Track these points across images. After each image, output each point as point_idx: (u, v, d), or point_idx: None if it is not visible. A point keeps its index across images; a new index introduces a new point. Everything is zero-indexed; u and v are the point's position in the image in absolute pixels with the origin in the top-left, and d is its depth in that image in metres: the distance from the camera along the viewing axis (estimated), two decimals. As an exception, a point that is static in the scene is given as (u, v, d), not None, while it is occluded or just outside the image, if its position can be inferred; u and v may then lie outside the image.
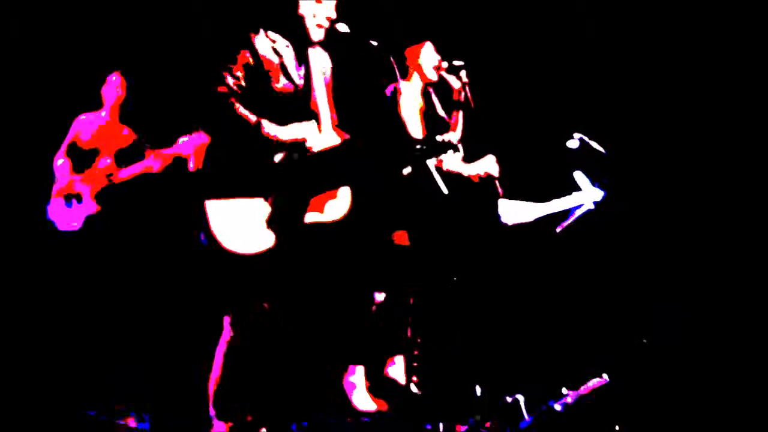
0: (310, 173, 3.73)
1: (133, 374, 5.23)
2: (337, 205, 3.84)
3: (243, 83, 3.70)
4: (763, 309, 5.29)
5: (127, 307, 5.65)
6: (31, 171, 5.83)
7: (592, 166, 4.79)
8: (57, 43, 6.10)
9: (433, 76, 4.95)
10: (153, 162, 5.54)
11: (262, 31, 3.83)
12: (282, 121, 3.75)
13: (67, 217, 5.66)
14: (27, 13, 6.03)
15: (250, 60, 3.74)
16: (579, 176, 4.80)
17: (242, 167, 3.66)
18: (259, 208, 3.65)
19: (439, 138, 4.63)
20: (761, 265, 5.42)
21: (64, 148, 5.79)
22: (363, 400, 4.97)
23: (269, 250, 3.65)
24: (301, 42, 3.90)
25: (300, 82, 3.86)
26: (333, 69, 4.00)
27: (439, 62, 4.92)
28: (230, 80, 3.68)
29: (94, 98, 5.88)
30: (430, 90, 5.01)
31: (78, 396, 5.00)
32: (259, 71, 3.75)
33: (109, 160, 5.76)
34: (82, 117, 5.87)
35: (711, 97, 5.59)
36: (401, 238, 4.78)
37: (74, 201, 5.66)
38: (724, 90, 5.58)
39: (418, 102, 4.95)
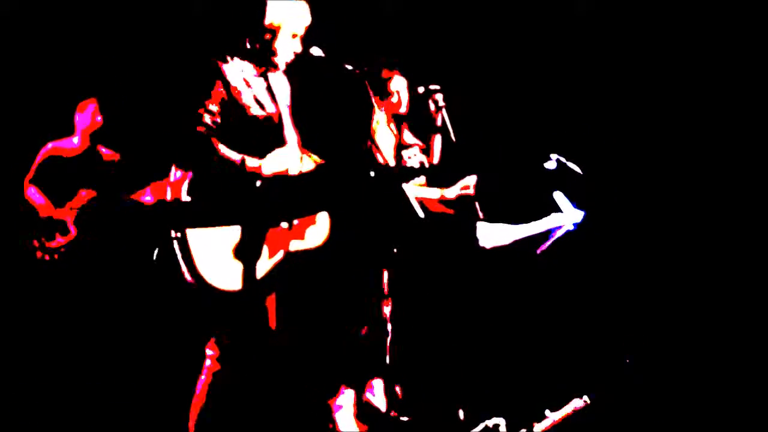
0: (287, 199, 3.73)
1: (115, 403, 5.20)
2: (317, 231, 3.83)
3: (219, 119, 3.69)
4: (751, 327, 5.28)
5: (108, 337, 5.63)
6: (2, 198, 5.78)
7: (570, 186, 4.79)
8: (29, 68, 6.08)
9: (404, 100, 4.97)
10: (150, 194, 5.56)
11: (230, 59, 3.82)
12: (261, 153, 3.74)
13: (47, 245, 5.64)
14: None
15: (224, 92, 3.74)
16: (558, 197, 4.80)
17: (223, 198, 3.65)
18: (237, 237, 3.64)
19: (415, 162, 4.65)
20: (748, 285, 5.41)
21: (31, 175, 5.74)
22: (347, 423, 4.97)
23: (250, 279, 3.64)
24: (266, 67, 3.90)
25: (272, 110, 3.86)
26: (300, 94, 4.00)
27: (410, 87, 4.95)
28: (207, 118, 3.67)
29: (66, 125, 5.86)
30: (403, 114, 5.02)
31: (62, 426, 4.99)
32: (233, 102, 3.75)
33: (88, 189, 5.75)
34: (51, 144, 5.83)
35: (689, 112, 5.60)
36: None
37: (57, 231, 5.64)
38: (703, 105, 5.60)
39: (392, 127, 4.96)
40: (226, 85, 3.75)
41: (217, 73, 3.76)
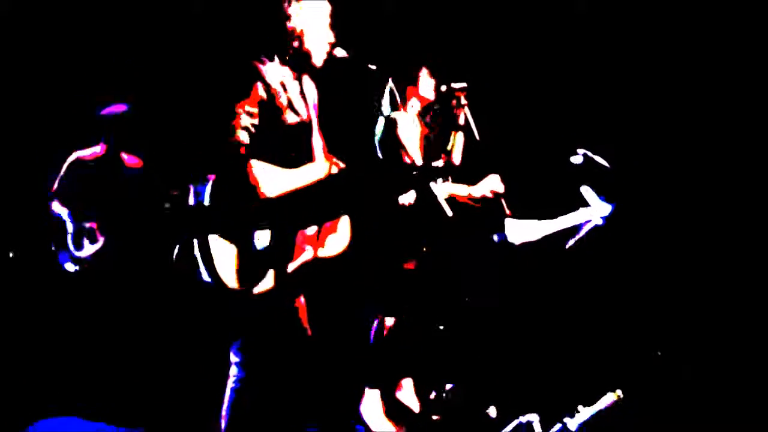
0: (309, 205, 3.72)
1: (140, 410, 5.23)
2: (339, 237, 3.82)
3: (257, 121, 3.66)
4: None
5: (133, 344, 5.64)
6: (32, 209, 5.81)
7: (598, 180, 4.78)
8: (52, 76, 6.09)
9: (430, 99, 4.96)
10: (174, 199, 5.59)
11: (268, 62, 3.81)
12: (292, 160, 3.74)
13: (76, 254, 5.66)
14: (22, 43, 6.02)
15: (263, 94, 3.73)
16: (586, 191, 4.79)
17: (244, 203, 3.64)
18: (262, 242, 3.64)
19: (439, 161, 4.64)
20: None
21: (56, 186, 5.75)
22: (379, 423, 4.97)
23: (276, 285, 3.64)
24: (299, 70, 3.89)
25: (305, 114, 3.85)
26: (327, 95, 3.99)
27: (437, 85, 4.94)
28: (245, 119, 3.64)
29: (91, 134, 5.87)
30: (428, 114, 5.02)
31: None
32: (271, 105, 3.74)
33: (113, 196, 5.77)
34: (78, 154, 5.84)
35: (716, 106, 5.57)
36: (408, 263, 4.78)
37: (84, 239, 5.67)
38: (729, 98, 5.56)
39: (417, 127, 4.95)
40: (267, 87, 3.73)
41: (257, 75, 3.74)
